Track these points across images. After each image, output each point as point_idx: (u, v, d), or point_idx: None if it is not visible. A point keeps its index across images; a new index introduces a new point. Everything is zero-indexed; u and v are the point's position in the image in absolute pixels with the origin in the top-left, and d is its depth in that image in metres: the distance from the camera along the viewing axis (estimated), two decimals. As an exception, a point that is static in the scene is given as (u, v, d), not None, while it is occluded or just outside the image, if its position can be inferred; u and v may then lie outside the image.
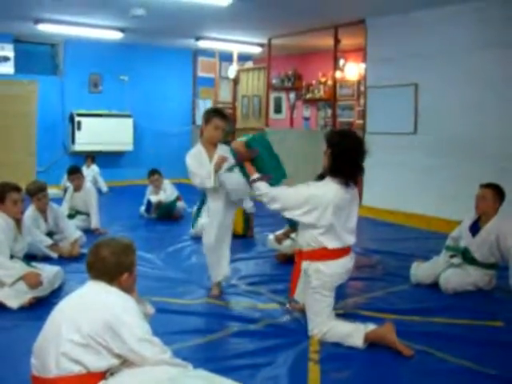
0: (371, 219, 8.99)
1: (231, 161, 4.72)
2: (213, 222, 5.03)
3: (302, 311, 4.37)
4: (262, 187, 4.14)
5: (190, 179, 4.97)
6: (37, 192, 6.26)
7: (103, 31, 11.11)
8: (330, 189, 3.96)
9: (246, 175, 4.35)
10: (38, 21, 10.29)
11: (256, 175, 4.21)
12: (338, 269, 4.07)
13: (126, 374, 2.85)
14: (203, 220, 7.36)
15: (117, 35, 11.37)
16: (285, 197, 4.06)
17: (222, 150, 4.95)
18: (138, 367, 2.85)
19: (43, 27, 10.58)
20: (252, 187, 4.26)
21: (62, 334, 2.79)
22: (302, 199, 3.99)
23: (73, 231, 6.64)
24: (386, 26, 9.36)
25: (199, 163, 4.92)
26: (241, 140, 4.42)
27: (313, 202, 3.94)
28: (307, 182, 4.12)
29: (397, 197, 9.15)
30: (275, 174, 4.34)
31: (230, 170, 4.77)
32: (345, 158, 3.97)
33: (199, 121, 14.08)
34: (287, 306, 4.71)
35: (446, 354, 3.88)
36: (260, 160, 4.33)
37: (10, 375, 3.44)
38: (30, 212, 6.23)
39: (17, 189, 5.18)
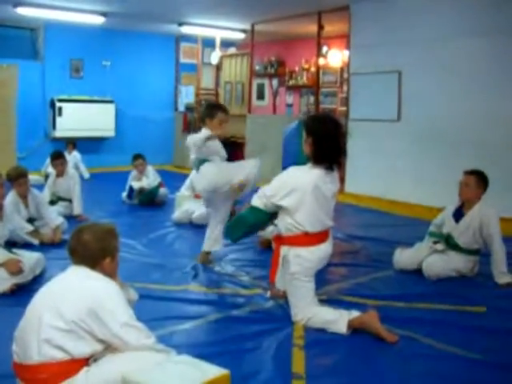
0: (354, 206, 8.99)
1: None
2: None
3: (284, 297, 4.36)
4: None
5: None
6: (17, 177, 6.18)
7: (84, 15, 10.97)
8: (311, 173, 3.94)
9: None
10: (17, 4, 10.13)
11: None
12: (318, 254, 4.04)
13: (110, 359, 2.82)
14: (185, 207, 7.38)
15: (98, 19, 11.24)
16: (269, 187, 4.06)
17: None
18: (121, 353, 2.82)
19: (23, 10, 10.43)
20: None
21: (43, 320, 2.75)
22: (282, 182, 3.99)
23: (54, 217, 6.57)
24: (370, 12, 9.34)
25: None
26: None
27: (292, 185, 3.93)
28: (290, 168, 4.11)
29: (380, 184, 9.18)
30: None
31: None
32: (326, 144, 3.94)
33: (182, 107, 14.05)
34: (268, 293, 4.69)
35: (430, 339, 3.89)
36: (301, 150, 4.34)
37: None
38: (11, 198, 6.14)
39: None
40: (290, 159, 4.55)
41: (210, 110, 5.16)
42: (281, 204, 3.98)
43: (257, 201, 4.09)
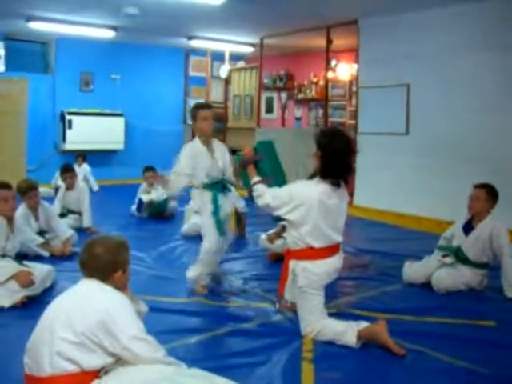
0: (363, 219, 8.99)
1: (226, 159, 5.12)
2: (212, 224, 5.07)
3: (293, 310, 4.36)
4: (260, 188, 4.19)
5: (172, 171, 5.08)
6: (28, 190, 6.22)
7: (95, 29, 11.06)
8: (317, 188, 3.96)
9: (247, 179, 4.42)
10: (29, 18, 10.23)
11: (256, 178, 4.27)
12: (326, 268, 4.05)
13: (120, 372, 2.84)
14: (194, 220, 7.38)
15: (109, 34, 11.33)
16: (275, 195, 4.08)
17: (220, 146, 5.31)
18: (132, 366, 2.84)
19: (35, 25, 10.52)
20: (252, 189, 4.28)
21: (55, 333, 2.77)
22: (288, 196, 4.01)
23: (64, 230, 6.60)
24: (379, 26, 9.38)
25: (200, 156, 5.06)
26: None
27: (298, 199, 3.96)
28: (296, 181, 4.15)
29: (388, 197, 9.17)
30: (276, 179, 4.41)
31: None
32: (334, 160, 3.96)
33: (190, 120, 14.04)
34: (276, 305, 4.69)
35: (439, 353, 3.88)
36: (263, 164, 4.43)
37: (3, 374, 3.41)
38: (22, 210, 6.18)
39: (6, 186, 5.14)
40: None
41: (192, 111, 5.19)
42: (287, 218, 4.02)
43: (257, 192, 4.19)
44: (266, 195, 4.13)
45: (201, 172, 5.04)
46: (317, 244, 4.00)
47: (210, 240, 5.07)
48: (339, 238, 4.13)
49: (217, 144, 5.32)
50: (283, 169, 4.65)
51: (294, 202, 3.96)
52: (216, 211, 5.02)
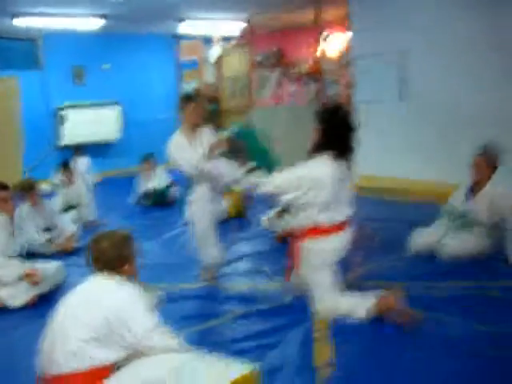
0: (365, 188, 8.90)
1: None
2: (203, 209, 5.04)
3: (301, 291, 4.36)
4: (257, 176, 4.19)
5: (177, 167, 5.01)
6: (28, 190, 6.22)
7: (83, 20, 10.91)
8: (325, 166, 3.94)
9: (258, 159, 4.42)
10: (14, 15, 10.12)
11: (249, 165, 4.25)
12: (338, 243, 4.07)
13: (137, 364, 2.84)
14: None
15: (97, 23, 11.18)
16: (280, 181, 4.06)
17: (207, 134, 5.09)
18: (149, 357, 2.84)
19: (21, 21, 10.42)
20: (246, 176, 4.25)
21: (69, 330, 2.78)
22: (297, 181, 3.98)
23: (67, 226, 6.61)
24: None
25: (181, 149, 4.95)
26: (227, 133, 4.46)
27: (310, 181, 3.93)
28: (300, 163, 4.11)
29: (387, 163, 9.12)
30: (263, 165, 4.37)
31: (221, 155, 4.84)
32: (339, 133, 3.97)
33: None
34: (284, 289, 4.66)
35: (454, 317, 3.91)
36: (248, 152, 4.42)
37: (18, 374, 3.43)
38: (26, 209, 6.19)
39: (4, 187, 5.15)
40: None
41: (180, 102, 5.13)
42: (299, 202, 3.98)
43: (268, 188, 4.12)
44: (267, 183, 4.10)
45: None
46: (329, 221, 3.99)
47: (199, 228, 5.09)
48: (349, 212, 4.14)
49: (205, 132, 5.15)
50: (269, 152, 4.62)
51: (306, 184, 3.93)
52: None
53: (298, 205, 4.03)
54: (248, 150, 4.44)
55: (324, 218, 3.98)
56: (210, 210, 5.07)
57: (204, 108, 5.14)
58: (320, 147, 3.99)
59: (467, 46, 7.97)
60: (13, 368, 3.56)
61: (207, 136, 5.13)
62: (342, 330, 3.85)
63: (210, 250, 5.12)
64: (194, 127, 5.09)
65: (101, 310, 2.80)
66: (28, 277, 4.69)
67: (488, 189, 5.30)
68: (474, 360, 3.35)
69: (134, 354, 2.86)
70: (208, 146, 4.88)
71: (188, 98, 5.15)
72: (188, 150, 4.96)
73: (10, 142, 11.27)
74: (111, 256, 2.96)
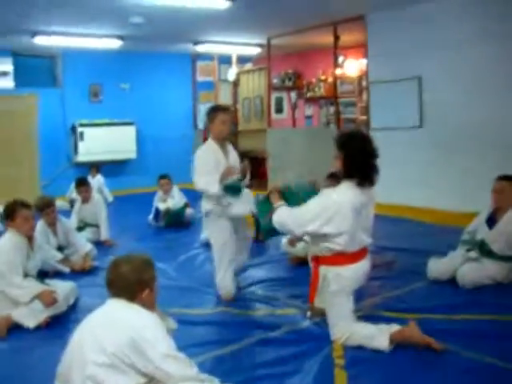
0: (381, 216, 8.83)
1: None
2: (227, 235, 5.06)
3: (323, 315, 4.31)
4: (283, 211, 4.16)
5: (194, 180, 4.99)
6: (45, 207, 6.23)
7: (101, 40, 11.06)
8: (347, 194, 3.91)
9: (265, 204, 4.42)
10: (35, 34, 10.25)
11: (280, 203, 4.22)
12: (357, 272, 4.03)
13: (155, 393, 2.80)
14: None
15: (115, 43, 11.32)
16: (302, 211, 4.02)
17: (232, 151, 5.21)
18: (166, 385, 2.80)
19: (40, 40, 10.55)
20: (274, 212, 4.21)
21: (86, 356, 2.74)
22: (320, 207, 3.94)
23: (83, 244, 6.59)
24: (386, 20, 9.32)
25: (214, 159, 4.98)
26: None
27: (332, 209, 3.89)
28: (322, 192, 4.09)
29: (406, 192, 9.08)
30: None
31: (235, 182, 4.97)
32: (358, 159, 3.94)
33: (201, 125, 14.07)
34: (308, 314, 4.61)
35: (472, 352, 3.82)
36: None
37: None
38: (40, 227, 6.17)
39: (27, 205, 5.13)
40: None
41: (210, 113, 5.12)
42: (322, 232, 3.93)
43: (277, 222, 4.11)
44: (294, 217, 4.07)
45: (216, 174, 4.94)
46: (350, 249, 3.96)
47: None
48: (369, 240, 4.11)
49: (230, 148, 5.27)
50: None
51: (328, 212, 3.89)
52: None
53: (323, 235, 3.97)
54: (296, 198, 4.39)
55: (345, 247, 3.93)
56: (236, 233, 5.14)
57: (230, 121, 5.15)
58: (344, 175, 3.96)
59: (486, 70, 7.95)
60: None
61: (233, 152, 5.23)
62: (357, 359, 3.78)
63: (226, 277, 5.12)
64: (222, 140, 5.12)
65: (118, 335, 2.76)
66: (42, 297, 4.64)
67: (510, 216, 5.19)
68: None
69: (154, 382, 2.82)
70: (234, 162, 5.00)
71: (218, 108, 5.18)
72: (221, 159, 5.01)
73: (27, 158, 11.28)
74: (131, 280, 2.92)
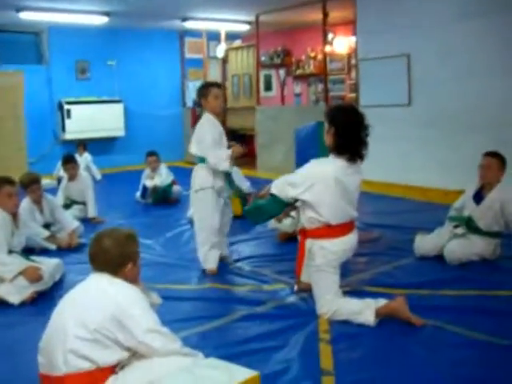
0: (369, 193, 8.87)
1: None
2: (215, 205, 5.10)
3: (310, 290, 4.30)
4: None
5: (205, 154, 5.02)
6: (30, 184, 6.15)
7: (87, 16, 10.93)
8: (332, 165, 3.91)
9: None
10: (20, 9, 10.10)
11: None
12: (343, 245, 4.02)
13: (136, 366, 2.78)
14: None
15: (102, 20, 11.18)
16: (288, 178, 4.04)
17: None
18: (148, 359, 2.78)
19: (25, 15, 10.40)
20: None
21: (68, 330, 2.72)
22: (302, 176, 3.97)
23: (70, 221, 6.54)
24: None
25: (218, 135, 5.08)
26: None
27: (312, 178, 3.90)
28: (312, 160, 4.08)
29: (394, 170, 9.09)
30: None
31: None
32: (348, 134, 3.91)
33: (190, 102, 13.99)
34: (295, 287, 4.63)
35: (457, 326, 3.83)
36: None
37: (18, 374, 3.37)
38: (26, 204, 6.12)
39: (11, 182, 5.08)
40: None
41: (202, 89, 5.16)
42: (302, 198, 3.94)
43: (277, 190, 4.05)
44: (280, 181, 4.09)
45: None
46: (335, 221, 3.95)
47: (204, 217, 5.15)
48: (355, 214, 4.10)
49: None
50: None
51: (309, 181, 3.90)
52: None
53: (304, 203, 3.97)
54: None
55: (332, 218, 3.93)
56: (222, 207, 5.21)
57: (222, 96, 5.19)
58: (335, 149, 3.94)
59: (475, 48, 7.91)
60: (14, 366, 3.49)
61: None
62: (343, 334, 3.79)
63: (218, 249, 5.18)
64: (218, 115, 5.18)
65: (101, 309, 2.74)
66: (27, 273, 4.61)
67: (498, 190, 5.18)
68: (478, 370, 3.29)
69: (137, 356, 2.81)
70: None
71: (210, 84, 5.24)
72: (219, 144, 5.07)
73: (13, 135, 11.21)
74: (114, 254, 2.89)
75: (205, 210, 5.13)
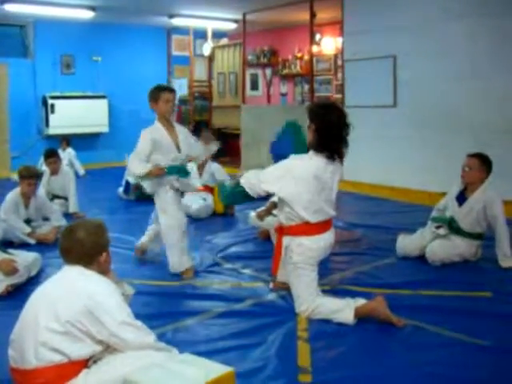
0: (352, 193, 8.89)
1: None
2: (174, 204, 5.14)
3: (287, 289, 4.27)
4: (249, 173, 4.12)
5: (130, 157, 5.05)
6: (29, 177, 6.11)
7: (73, 10, 10.83)
8: (312, 162, 3.88)
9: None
10: (4, 1, 9.98)
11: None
12: (322, 243, 3.99)
13: (109, 360, 2.75)
14: (184, 200, 7.25)
15: (88, 14, 11.08)
16: (265, 174, 3.99)
17: (183, 131, 5.24)
18: (121, 353, 2.73)
19: (11, 7, 10.27)
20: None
21: (39, 323, 2.67)
22: (280, 171, 3.92)
23: (59, 219, 6.48)
24: (363, -3, 9.23)
25: (159, 140, 5.00)
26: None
27: (290, 174, 3.86)
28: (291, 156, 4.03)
29: (378, 171, 9.07)
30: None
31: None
32: (329, 132, 3.88)
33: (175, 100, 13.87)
34: (270, 284, 4.60)
35: (436, 326, 3.82)
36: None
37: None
38: (13, 196, 6.09)
39: None
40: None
41: (153, 93, 5.08)
42: (280, 195, 3.91)
43: (247, 185, 4.01)
44: (256, 175, 4.02)
45: (162, 156, 4.97)
46: (312, 219, 3.91)
47: (170, 215, 5.07)
48: (332, 212, 4.06)
49: (178, 126, 5.26)
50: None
51: (287, 177, 3.86)
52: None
53: (282, 199, 3.94)
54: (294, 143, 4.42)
55: (309, 215, 3.89)
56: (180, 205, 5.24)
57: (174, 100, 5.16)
58: (315, 146, 3.90)
59: (460, 50, 7.90)
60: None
61: (182, 130, 5.25)
62: (321, 332, 3.76)
63: (186, 249, 5.07)
64: (168, 120, 5.13)
65: (73, 301, 2.70)
66: (2, 266, 4.54)
67: (480, 192, 5.17)
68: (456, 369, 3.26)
69: (110, 350, 2.76)
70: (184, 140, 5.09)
71: (161, 88, 5.13)
72: (167, 140, 5.03)
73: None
74: (88, 244, 2.85)
75: (164, 210, 5.17)
